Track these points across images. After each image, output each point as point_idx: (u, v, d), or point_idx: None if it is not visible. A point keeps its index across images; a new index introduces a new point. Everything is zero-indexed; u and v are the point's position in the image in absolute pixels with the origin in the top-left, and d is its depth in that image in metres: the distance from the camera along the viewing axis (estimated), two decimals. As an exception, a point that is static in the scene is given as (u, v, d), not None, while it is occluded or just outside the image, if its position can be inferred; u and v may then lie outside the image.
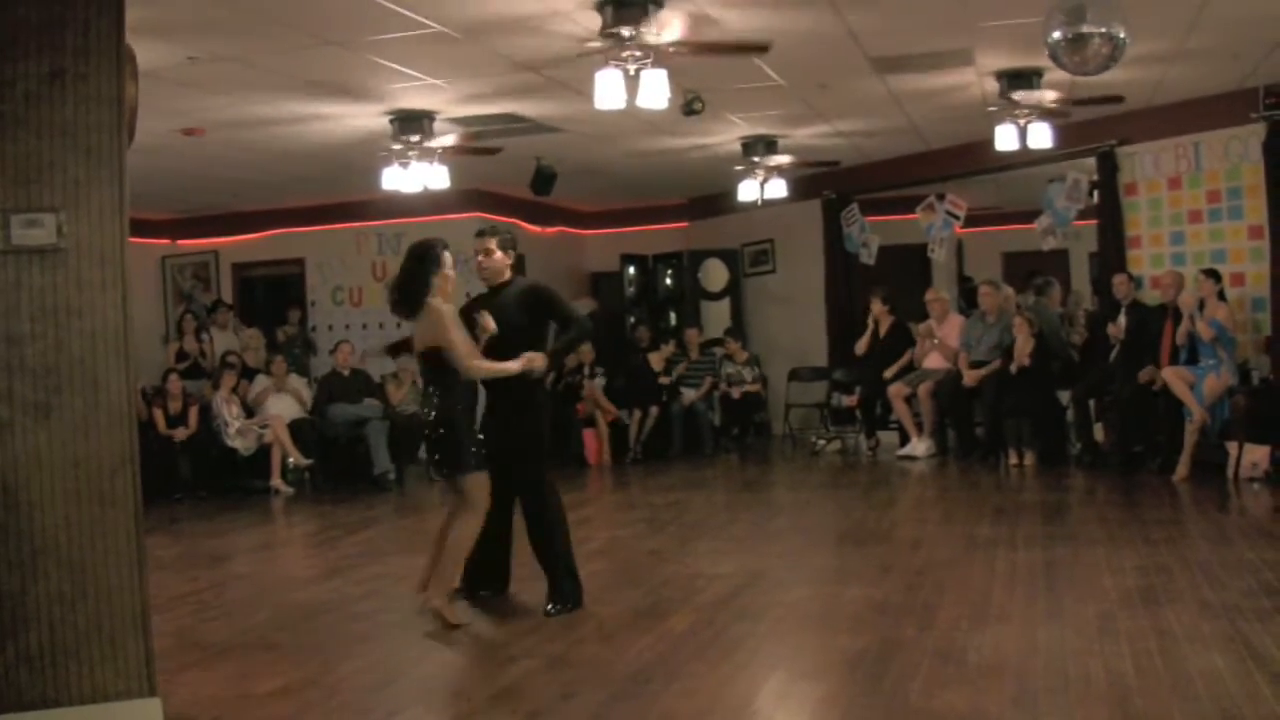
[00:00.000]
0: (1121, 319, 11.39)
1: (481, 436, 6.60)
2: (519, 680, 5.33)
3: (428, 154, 10.58)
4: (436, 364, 6.42)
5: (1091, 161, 12.45)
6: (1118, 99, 10.47)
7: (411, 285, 6.43)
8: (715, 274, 16.77)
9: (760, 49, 8.03)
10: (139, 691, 4.59)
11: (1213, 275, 10.54)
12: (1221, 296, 10.46)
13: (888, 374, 13.47)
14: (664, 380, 14.62)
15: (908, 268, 15.05)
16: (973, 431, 12.67)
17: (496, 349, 6.59)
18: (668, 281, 17.30)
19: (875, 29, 8.39)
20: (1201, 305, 10.46)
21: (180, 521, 10.92)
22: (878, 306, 13.85)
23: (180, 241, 16.38)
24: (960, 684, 4.86)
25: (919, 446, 12.84)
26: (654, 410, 14.37)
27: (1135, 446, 11.01)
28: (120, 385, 4.63)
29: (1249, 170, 11.14)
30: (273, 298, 16.40)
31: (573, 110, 10.33)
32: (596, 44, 7.62)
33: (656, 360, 14.71)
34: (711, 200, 16.50)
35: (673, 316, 17.14)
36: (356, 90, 9.35)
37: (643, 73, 7.65)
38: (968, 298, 14.74)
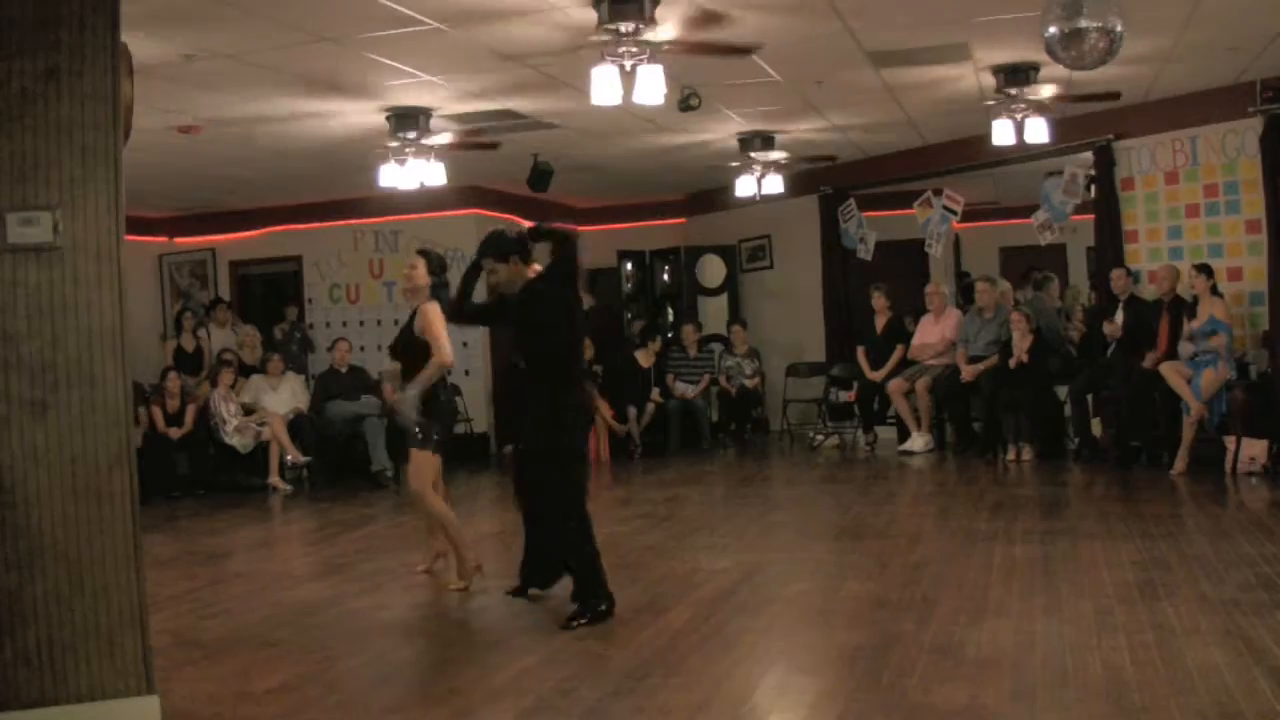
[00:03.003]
0: (1118, 317, 11.39)
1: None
2: (517, 676, 5.33)
3: (424, 151, 10.58)
4: (418, 357, 6.98)
5: (1088, 156, 12.44)
6: (1114, 95, 10.48)
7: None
8: (712, 270, 16.77)
9: (746, 51, 8.04)
10: (137, 689, 4.59)
11: (1205, 270, 10.54)
12: (1214, 291, 10.45)
13: (879, 375, 13.49)
14: (656, 391, 14.62)
15: (905, 263, 15.04)
16: (970, 426, 12.69)
17: (522, 353, 6.58)
18: (665, 277, 17.30)
19: (871, 24, 8.39)
20: (1195, 301, 10.47)
21: (178, 519, 10.91)
22: (879, 301, 13.87)
23: (177, 239, 16.37)
24: (958, 678, 4.87)
25: (917, 441, 12.85)
26: (649, 407, 14.37)
27: (1133, 441, 11.01)
28: (117, 382, 4.63)
29: (1246, 164, 11.14)
30: (270, 295, 16.39)
31: (569, 106, 10.32)
32: (592, 40, 7.61)
33: (644, 358, 14.70)
34: (708, 196, 16.51)
35: (670, 312, 17.14)
36: (353, 87, 9.34)
37: (639, 68, 7.65)
38: (965, 293, 14.75)
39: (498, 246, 6.53)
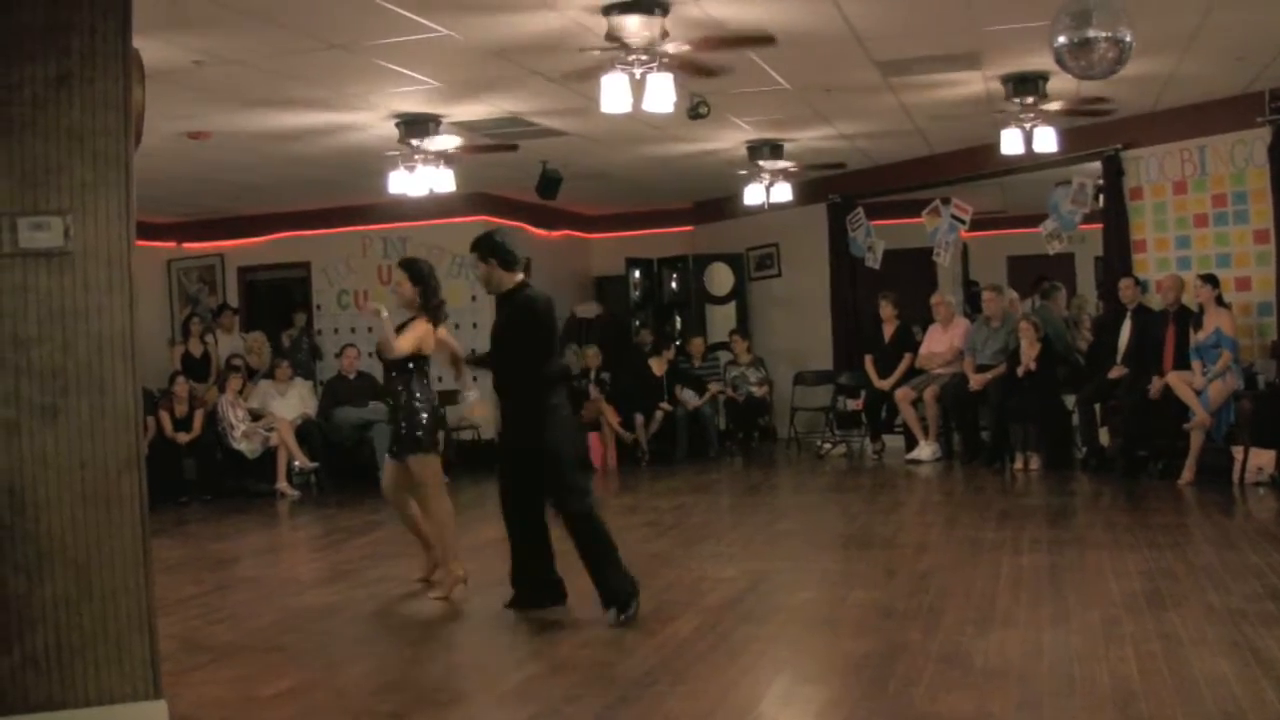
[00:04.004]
0: (1124, 332, 11.33)
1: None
2: (523, 683, 5.34)
3: (434, 157, 10.59)
4: (404, 367, 7.21)
5: (1097, 165, 12.45)
6: (1106, 100, 10.44)
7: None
8: (720, 278, 16.78)
9: (766, 41, 7.98)
10: (144, 694, 4.60)
11: (1210, 281, 10.51)
12: (1220, 301, 10.43)
13: (887, 383, 13.47)
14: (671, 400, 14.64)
15: (913, 272, 15.03)
16: (978, 435, 12.66)
17: (495, 360, 6.82)
18: (673, 285, 17.30)
19: (880, 32, 8.39)
20: (1200, 311, 10.45)
21: (186, 524, 10.93)
22: (887, 310, 13.86)
23: (186, 245, 16.39)
24: (965, 688, 4.86)
25: (924, 450, 12.84)
26: (657, 415, 14.36)
27: (1140, 451, 10.99)
28: (127, 387, 4.64)
29: (1254, 174, 11.13)
30: (278, 301, 16.42)
31: (578, 114, 10.33)
32: (603, 48, 7.62)
33: (657, 365, 14.70)
34: (717, 204, 16.52)
35: (678, 320, 17.14)
36: (362, 94, 9.37)
37: (648, 77, 7.66)
38: (973, 302, 14.74)
39: (480, 245, 6.72)
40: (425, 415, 7.21)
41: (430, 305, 7.29)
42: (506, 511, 6.78)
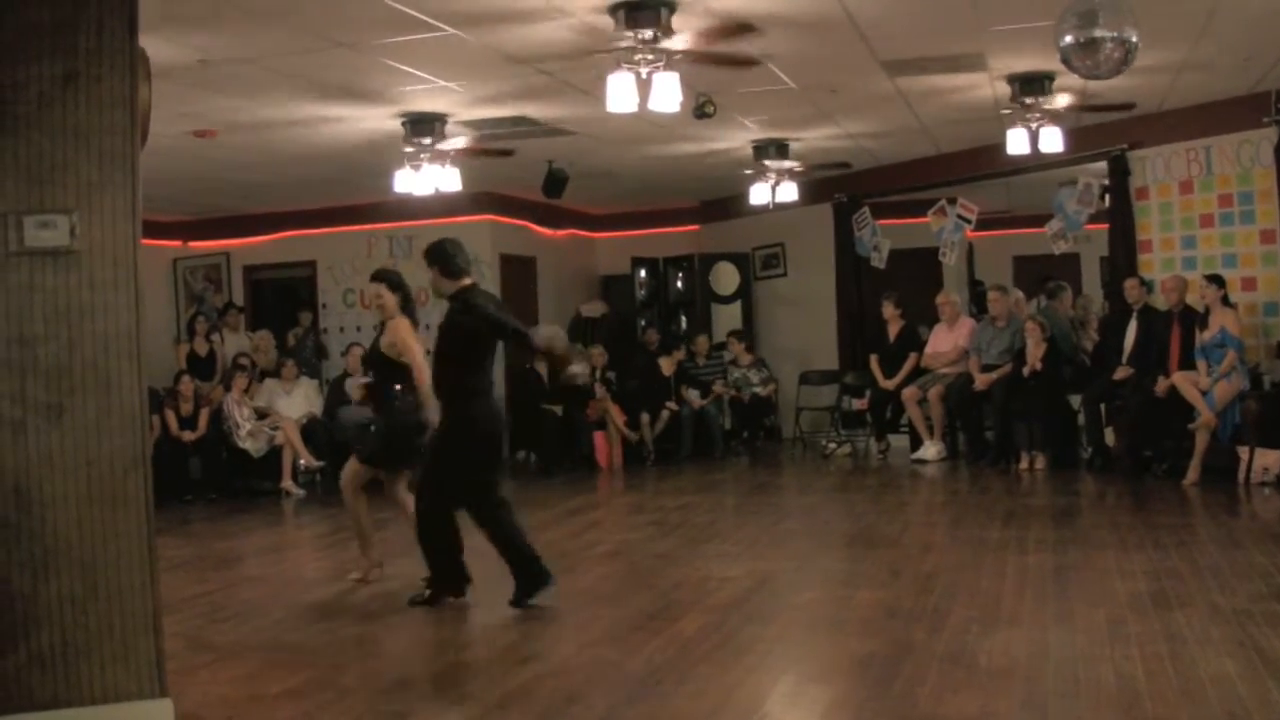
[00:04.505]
0: (1129, 333, 11.31)
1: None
2: (529, 682, 5.33)
3: (440, 156, 10.59)
4: (390, 368, 7.46)
5: (1102, 165, 12.43)
6: (1129, 106, 10.45)
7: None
8: (726, 277, 16.75)
9: (750, 63, 8.06)
10: (150, 692, 4.60)
11: (1216, 281, 10.49)
12: (1226, 301, 10.41)
13: (892, 383, 13.47)
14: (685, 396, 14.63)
15: (918, 271, 15.00)
16: (983, 435, 12.65)
17: (442, 366, 7.04)
18: (678, 285, 17.30)
19: (886, 32, 8.39)
20: (1206, 311, 10.43)
21: (191, 523, 10.94)
22: (889, 310, 13.85)
23: (192, 243, 16.39)
24: (970, 688, 4.86)
25: (930, 450, 12.83)
26: (663, 414, 14.35)
27: (1145, 451, 10.98)
28: (132, 386, 4.65)
29: (1260, 174, 11.11)
30: (284, 300, 16.42)
31: (584, 113, 10.33)
32: (608, 47, 7.62)
33: (666, 365, 14.70)
34: (722, 203, 16.50)
35: (683, 320, 17.13)
36: (368, 92, 9.37)
37: (654, 76, 7.66)
38: (978, 302, 14.73)
39: (427, 253, 7.05)
40: (376, 421, 7.74)
41: (409, 306, 7.61)
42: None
